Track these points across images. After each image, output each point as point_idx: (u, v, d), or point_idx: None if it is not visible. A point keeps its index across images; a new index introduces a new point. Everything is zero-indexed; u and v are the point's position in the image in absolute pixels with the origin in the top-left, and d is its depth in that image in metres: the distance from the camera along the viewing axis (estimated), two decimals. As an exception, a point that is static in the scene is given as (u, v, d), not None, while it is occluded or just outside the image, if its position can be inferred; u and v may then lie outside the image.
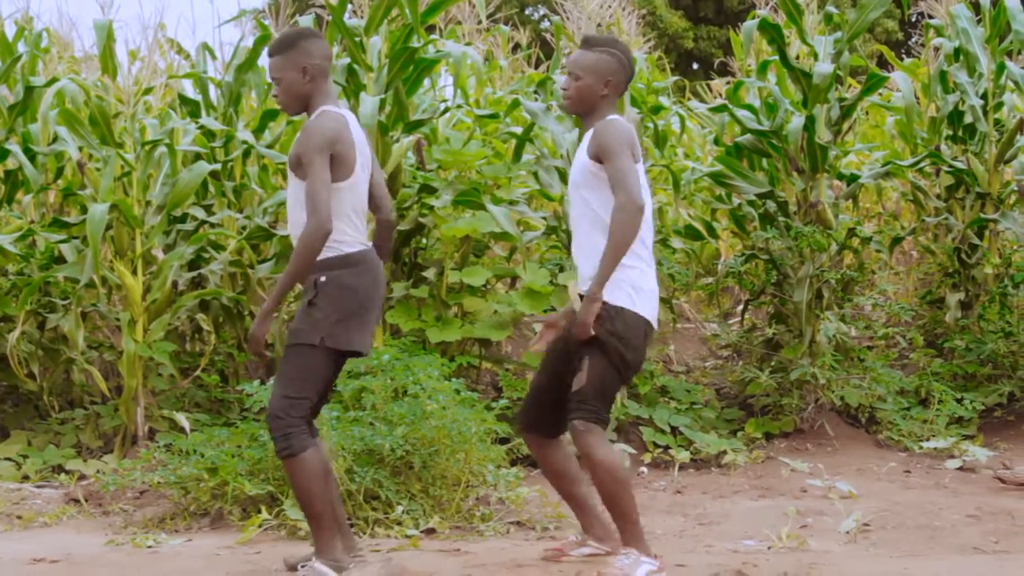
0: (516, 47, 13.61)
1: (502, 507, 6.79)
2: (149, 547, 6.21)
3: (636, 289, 5.36)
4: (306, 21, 8.72)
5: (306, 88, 5.35)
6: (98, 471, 7.73)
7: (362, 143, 5.42)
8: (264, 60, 9.55)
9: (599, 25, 9.20)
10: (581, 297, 5.41)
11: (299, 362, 5.30)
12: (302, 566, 5.33)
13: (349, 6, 8.63)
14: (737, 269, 9.41)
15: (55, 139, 8.90)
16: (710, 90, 14.49)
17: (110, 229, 8.28)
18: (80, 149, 8.66)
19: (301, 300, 5.34)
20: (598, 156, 5.34)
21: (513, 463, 7.52)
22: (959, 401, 8.96)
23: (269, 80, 5.65)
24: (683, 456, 8.19)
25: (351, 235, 5.31)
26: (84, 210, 8.64)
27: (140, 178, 8.36)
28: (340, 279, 5.27)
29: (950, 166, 9.88)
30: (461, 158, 8.73)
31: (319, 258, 5.23)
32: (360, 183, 5.38)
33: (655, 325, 5.50)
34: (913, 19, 26.50)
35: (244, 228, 9.10)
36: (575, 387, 5.39)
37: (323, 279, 5.26)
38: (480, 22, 11.42)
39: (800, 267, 9.00)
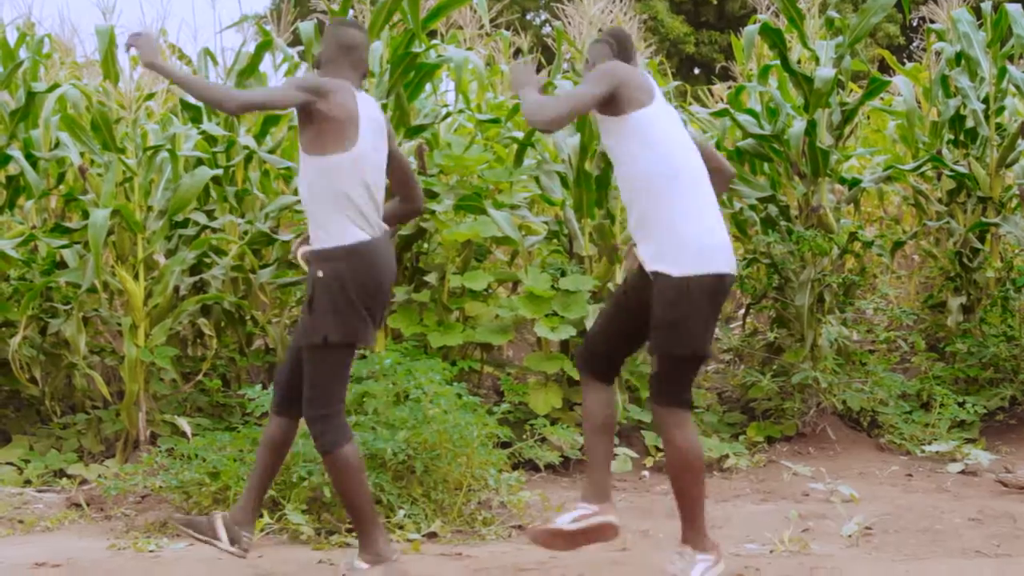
0: (517, 52, 13.61)
1: (504, 511, 6.80)
2: (151, 552, 6.21)
3: (701, 249, 5.26)
4: (308, 27, 8.73)
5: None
6: (100, 476, 7.74)
7: (376, 124, 5.45)
8: (265, 66, 9.60)
9: (600, 30, 9.21)
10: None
11: (315, 361, 5.35)
12: (345, 565, 5.44)
13: (351, 11, 8.63)
14: (739, 273, 9.42)
15: (57, 144, 8.92)
16: (711, 95, 14.48)
17: (112, 234, 8.29)
18: (82, 154, 8.68)
19: (311, 295, 5.33)
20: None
21: (515, 467, 7.52)
22: (961, 405, 8.96)
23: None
24: (685, 460, 8.17)
25: (353, 224, 5.31)
26: (86, 215, 8.64)
27: (142, 183, 8.36)
28: (338, 272, 5.28)
29: (952, 170, 9.88)
30: (463, 163, 8.74)
31: (318, 248, 5.31)
32: (367, 160, 5.36)
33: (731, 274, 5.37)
34: (914, 23, 26.53)
35: (246, 233, 9.11)
36: (652, 369, 5.41)
37: (320, 274, 5.29)
38: (482, 27, 11.44)
39: (802, 271, 9.00)
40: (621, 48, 5.63)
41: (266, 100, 5.37)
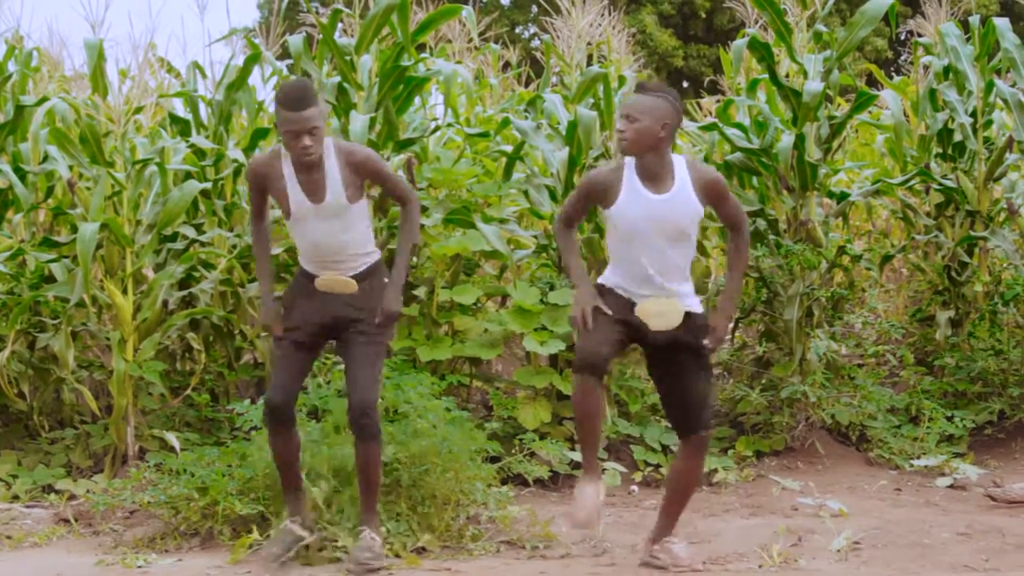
0: (506, 66, 13.62)
1: (492, 526, 6.79)
2: (139, 567, 6.20)
3: None
4: (297, 40, 8.72)
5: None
6: (88, 491, 7.71)
7: None
8: (254, 79, 9.59)
9: (589, 44, 9.22)
10: (688, 315, 5.98)
11: (379, 359, 6.11)
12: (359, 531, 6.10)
13: (340, 25, 8.64)
14: (727, 287, 9.41)
15: (45, 158, 8.89)
16: (700, 108, 14.49)
17: (100, 248, 8.27)
18: (70, 168, 8.65)
19: (375, 296, 6.08)
20: (717, 199, 6.01)
21: (503, 482, 7.52)
22: (949, 419, 8.96)
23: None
24: (674, 474, 8.17)
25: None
26: (74, 229, 8.63)
27: (130, 197, 8.35)
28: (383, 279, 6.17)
29: (940, 184, 9.89)
30: (451, 176, 8.74)
31: (372, 263, 6.14)
32: None
33: None
34: (902, 37, 26.58)
35: (235, 247, 9.10)
36: (702, 403, 6.05)
37: (386, 280, 6.16)
38: (471, 41, 11.44)
39: (790, 285, 9.01)
40: (679, 120, 6.06)
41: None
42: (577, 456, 8.16)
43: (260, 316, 6.49)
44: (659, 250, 5.87)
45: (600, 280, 6.05)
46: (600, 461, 7.22)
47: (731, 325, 6.21)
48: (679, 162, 5.95)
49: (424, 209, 8.53)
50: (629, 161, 5.95)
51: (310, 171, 5.95)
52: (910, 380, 9.71)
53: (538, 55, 12.41)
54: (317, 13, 8.89)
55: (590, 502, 5.90)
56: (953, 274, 9.98)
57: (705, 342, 5.99)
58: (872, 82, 15.38)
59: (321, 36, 8.54)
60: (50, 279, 8.66)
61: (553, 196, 8.94)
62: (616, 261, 6.03)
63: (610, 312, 5.84)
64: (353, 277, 6.05)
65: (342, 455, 6.52)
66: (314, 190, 5.95)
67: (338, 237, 6.02)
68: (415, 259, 8.92)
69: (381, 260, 6.24)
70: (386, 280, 6.14)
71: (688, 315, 5.95)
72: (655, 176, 5.89)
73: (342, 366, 7.15)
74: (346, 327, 6.07)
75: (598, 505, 5.92)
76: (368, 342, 6.05)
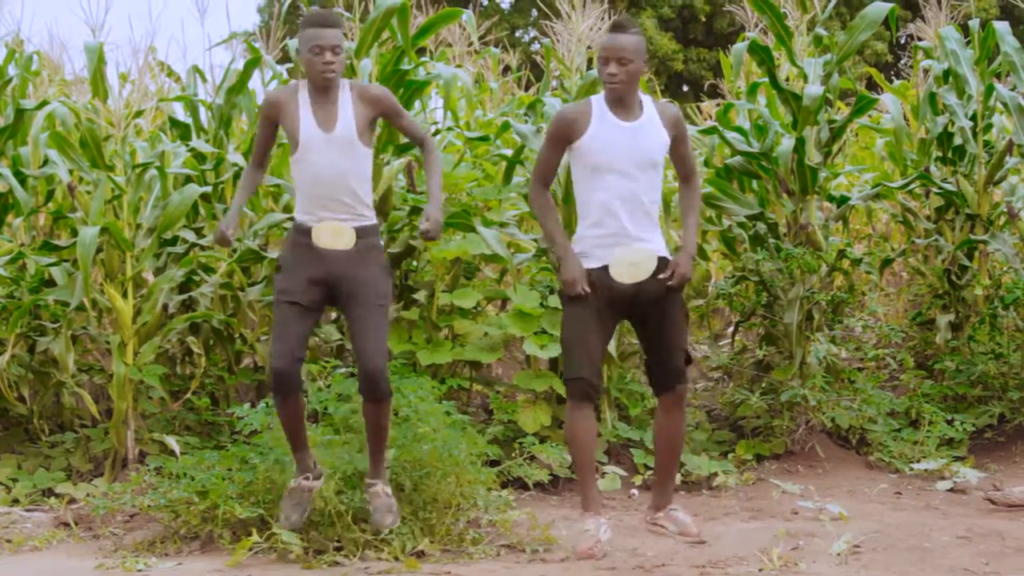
0: (506, 69, 13.62)
1: (492, 530, 6.79)
2: (139, 571, 6.19)
3: None
4: (297, 44, 8.71)
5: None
6: (88, 494, 7.71)
7: None
8: (254, 83, 9.59)
9: (589, 47, 9.22)
10: (661, 260, 6.14)
11: (383, 318, 6.14)
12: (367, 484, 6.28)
13: (339, 29, 8.63)
14: (727, 291, 9.43)
15: (45, 162, 8.90)
16: (700, 112, 14.50)
17: (100, 252, 8.27)
18: (70, 172, 8.66)
19: (373, 260, 6.15)
20: (678, 135, 6.24)
21: (504, 486, 7.52)
22: (949, 423, 8.96)
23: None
24: (674, 478, 8.17)
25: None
26: (74, 233, 8.63)
27: (131, 201, 8.36)
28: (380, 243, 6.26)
29: (940, 188, 9.90)
30: (451, 180, 8.74)
31: (369, 223, 6.16)
32: None
33: None
34: (902, 41, 26.60)
35: (235, 251, 9.09)
36: (676, 349, 6.15)
37: (381, 243, 6.26)
38: (471, 44, 11.43)
39: (790, 289, 9.01)
40: None
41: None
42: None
43: (215, 231, 6.39)
44: (628, 179, 6.06)
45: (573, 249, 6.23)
46: (601, 463, 7.21)
47: (692, 263, 6.25)
48: (645, 98, 6.26)
49: (424, 212, 8.52)
50: (596, 97, 6.22)
51: (325, 97, 6.06)
52: (910, 384, 9.71)
53: (538, 59, 12.40)
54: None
55: (592, 537, 6.15)
56: (953, 278, 9.98)
57: (668, 281, 6.11)
58: (872, 86, 15.39)
59: (321, 40, 8.53)
60: (50, 283, 8.66)
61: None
62: (584, 210, 6.19)
63: (589, 291, 6.08)
64: (352, 228, 6.09)
65: (346, 459, 6.52)
66: (326, 119, 6.05)
67: (342, 172, 6.03)
68: (415, 263, 8.92)
69: (378, 225, 6.29)
70: (381, 245, 6.24)
71: (661, 260, 6.16)
72: (625, 106, 6.15)
73: (342, 369, 7.22)
74: (346, 291, 6.11)
75: (600, 540, 6.15)
76: (370, 308, 6.09)
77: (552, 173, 6.40)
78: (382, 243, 6.28)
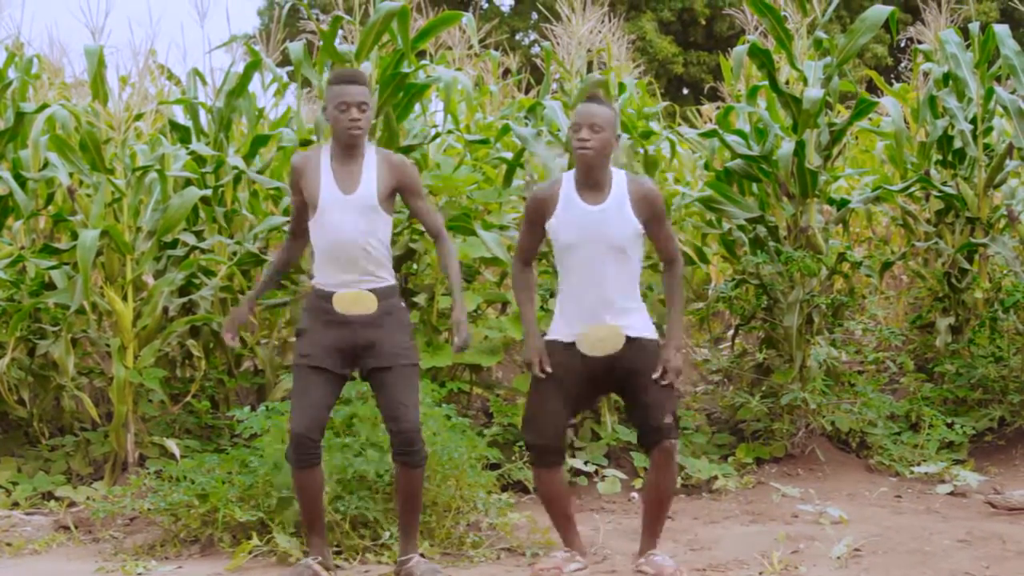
0: (506, 72, 13.61)
1: (492, 533, 6.79)
2: (139, 574, 6.20)
3: None
4: (297, 47, 8.72)
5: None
6: (88, 498, 7.71)
7: None
8: (254, 86, 9.58)
9: (589, 51, 9.22)
10: (630, 340, 5.99)
11: (415, 380, 6.00)
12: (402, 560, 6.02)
13: (340, 32, 8.64)
14: (727, 294, 9.43)
15: (46, 165, 8.90)
16: (700, 115, 14.50)
17: (100, 255, 8.28)
18: (71, 175, 8.66)
19: (396, 321, 5.98)
20: (652, 218, 5.99)
21: (504, 489, 7.52)
22: (950, 426, 8.96)
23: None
24: (674, 481, 8.17)
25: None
26: (74, 236, 8.62)
27: (131, 204, 8.36)
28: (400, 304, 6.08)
29: (940, 191, 9.90)
30: (452, 183, 8.74)
31: (391, 283, 6.00)
32: None
33: None
34: (902, 44, 26.59)
35: (235, 254, 9.10)
36: (659, 408, 5.98)
37: (403, 304, 6.08)
38: (471, 47, 11.43)
39: (790, 292, 9.00)
40: None
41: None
42: (576, 463, 8.17)
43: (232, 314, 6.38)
44: (597, 264, 5.93)
45: (547, 334, 6.16)
46: (602, 467, 7.12)
47: (681, 355, 6.14)
48: (619, 175, 6.03)
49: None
50: (567, 174, 6.08)
51: (348, 160, 5.93)
52: (910, 387, 9.70)
53: (538, 62, 12.39)
54: (317, 20, 8.91)
55: (555, 562, 6.10)
56: (953, 281, 9.98)
57: (660, 379, 5.99)
58: (872, 89, 15.40)
59: (321, 43, 8.54)
60: (50, 286, 8.67)
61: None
62: (561, 288, 6.12)
63: (551, 371, 6.03)
64: (371, 291, 5.91)
65: (344, 464, 6.52)
66: (347, 181, 5.90)
67: (361, 236, 5.87)
68: (415, 266, 8.92)
69: (398, 287, 6.10)
70: (403, 305, 6.04)
71: (631, 340, 5.99)
72: (594, 187, 5.98)
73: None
74: (371, 356, 5.93)
75: (561, 571, 6.05)
76: (399, 370, 5.92)
77: (530, 251, 6.25)
78: (403, 304, 6.07)
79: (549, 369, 5.99)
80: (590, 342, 5.94)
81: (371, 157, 5.97)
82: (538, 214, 6.05)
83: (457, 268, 6.11)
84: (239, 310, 6.26)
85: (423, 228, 6.36)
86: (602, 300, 5.94)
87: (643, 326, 6.05)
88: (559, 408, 6.05)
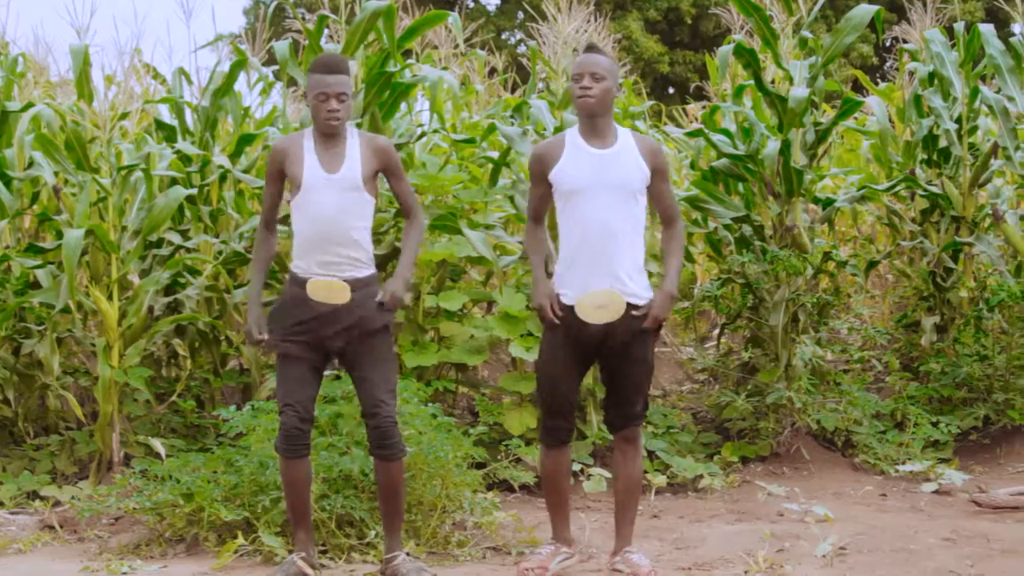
0: (492, 72, 13.62)
1: (478, 532, 6.79)
2: (124, 574, 6.19)
3: None
4: (283, 46, 8.72)
5: None
6: (73, 497, 7.69)
7: None
8: (240, 85, 9.57)
9: (575, 50, 9.22)
10: (631, 306, 5.90)
11: (393, 366, 6.05)
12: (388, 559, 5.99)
13: (326, 31, 8.63)
14: (713, 293, 9.43)
15: (31, 164, 8.88)
16: (686, 114, 14.53)
17: (86, 254, 8.26)
18: (56, 174, 8.64)
19: (371, 310, 5.90)
20: (657, 171, 5.97)
21: (489, 488, 7.52)
22: (935, 424, 8.97)
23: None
24: (659, 480, 8.18)
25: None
26: (60, 235, 8.61)
27: (116, 203, 8.34)
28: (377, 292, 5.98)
29: (925, 190, 9.91)
30: (437, 183, 8.74)
31: (370, 273, 5.94)
32: None
33: None
34: (888, 44, 26.63)
35: (220, 253, 9.09)
36: (636, 393, 6.01)
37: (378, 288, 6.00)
38: (457, 47, 11.44)
39: (776, 291, 9.02)
40: None
41: None
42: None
43: (246, 323, 6.32)
44: (603, 208, 5.85)
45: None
46: (587, 465, 7.11)
47: (671, 306, 6.06)
48: (623, 129, 6.05)
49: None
50: (571, 129, 6.06)
51: (331, 144, 5.90)
52: (895, 386, 9.73)
53: (524, 61, 12.41)
54: (303, 19, 8.89)
55: (540, 559, 6.09)
56: (938, 280, 10.00)
57: (642, 322, 5.93)
58: (858, 88, 15.45)
59: (307, 42, 8.54)
60: (35, 285, 8.66)
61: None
62: (565, 245, 6.00)
63: (559, 323, 5.94)
64: (347, 281, 5.84)
65: (330, 463, 6.52)
66: (331, 162, 5.87)
67: (342, 214, 5.83)
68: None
69: (377, 276, 6.00)
70: (377, 289, 5.94)
71: (631, 308, 5.90)
72: (599, 135, 5.96)
73: (327, 372, 7.16)
74: (347, 347, 5.89)
75: (546, 569, 6.04)
76: (375, 362, 5.90)
77: (540, 209, 6.17)
78: (379, 288, 5.96)
79: (560, 312, 5.91)
80: (589, 309, 5.87)
81: (354, 140, 5.97)
82: (541, 166, 6.00)
83: (417, 241, 6.13)
84: (255, 311, 6.09)
85: (399, 206, 6.31)
86: (607, 255, 5.85)
87: (643, 293, 5.97)
88: (569, 375, 6.01)
